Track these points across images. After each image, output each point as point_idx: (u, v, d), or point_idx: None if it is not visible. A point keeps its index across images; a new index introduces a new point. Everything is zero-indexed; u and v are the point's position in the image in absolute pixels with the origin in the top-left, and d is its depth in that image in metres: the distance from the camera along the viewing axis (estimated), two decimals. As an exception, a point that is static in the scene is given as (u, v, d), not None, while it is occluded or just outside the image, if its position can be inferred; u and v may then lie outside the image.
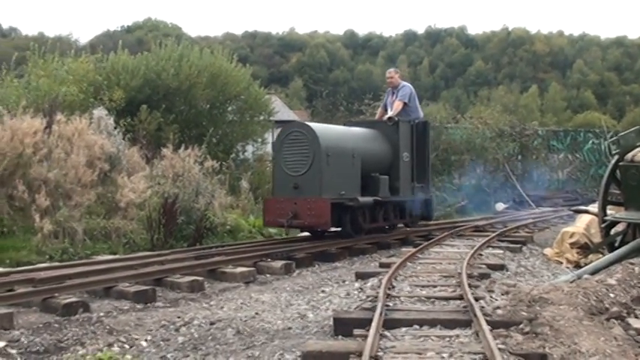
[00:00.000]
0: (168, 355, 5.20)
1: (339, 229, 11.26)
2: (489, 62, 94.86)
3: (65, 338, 5.55)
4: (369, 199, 11.03)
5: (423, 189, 12.47)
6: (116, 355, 5.04)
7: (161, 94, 17.29)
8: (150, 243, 10.65)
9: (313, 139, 10.53)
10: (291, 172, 10.71)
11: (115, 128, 13.14)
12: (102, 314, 6.41)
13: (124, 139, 13.26)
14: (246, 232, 12.72)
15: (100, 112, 13.28)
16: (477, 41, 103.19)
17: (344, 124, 12.73)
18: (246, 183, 15.37)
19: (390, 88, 12.89)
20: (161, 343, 5.52)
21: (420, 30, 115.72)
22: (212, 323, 6.06)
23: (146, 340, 5.58)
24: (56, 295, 6.62)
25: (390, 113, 12.26)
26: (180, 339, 5.61)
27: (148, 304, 6.91)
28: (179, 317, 6.30)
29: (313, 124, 11.16)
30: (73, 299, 6.53)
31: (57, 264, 8.78)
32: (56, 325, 5.94)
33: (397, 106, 12.30)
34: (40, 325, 5.95)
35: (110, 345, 5.43)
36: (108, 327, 5.92)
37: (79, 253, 9.87)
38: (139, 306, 6.82)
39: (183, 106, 17.77)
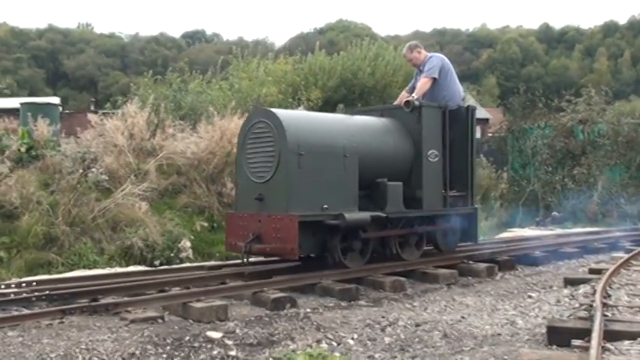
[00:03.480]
0: (376, 355, 5.17)
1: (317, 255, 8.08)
2: None
3: (276, 332, 5.70)
4: (364, 215, 7.87)
5: (463, 200, 9.24)
6: (325, 351, 5.10)
7: (357, 93, 17.62)
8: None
9: (279, 131, 7.54)
10: (254, 177, 7.88)
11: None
12: (308, 310, 6.54)
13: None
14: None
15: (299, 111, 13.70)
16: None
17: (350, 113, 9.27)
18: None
19: (416, 70, 9.68)
20: (368, 342, 5.52)
21: (622, 20, 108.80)
22: (417, 325, 5.99)
23: (353, 339, 5.61)
24: (265, 289, 6.86)
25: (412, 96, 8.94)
26: (387, 339, 5.57)
27: (352, 302, 6.97)
28: (383, 317, 6.29)
29: (280, 111, 8.04)
30: (281, 294, 6.72)
31: (263, 259, 9.11)
32: (267, 319, 6.14)
33: (422, 84, 9.00)
34: (252, 318, 6.17)
35: (318, 341, 5.51)
36: (315, 323, 6.02)
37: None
38: (343, 303, 6.90)
39: (378, 104, 17.93)
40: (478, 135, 33.17)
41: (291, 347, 5.31)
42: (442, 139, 8.86)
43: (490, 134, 29.81)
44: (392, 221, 8.37)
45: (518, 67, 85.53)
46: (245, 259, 7.76)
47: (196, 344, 5.29)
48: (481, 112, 35.22)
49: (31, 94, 50.37)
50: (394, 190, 8.30)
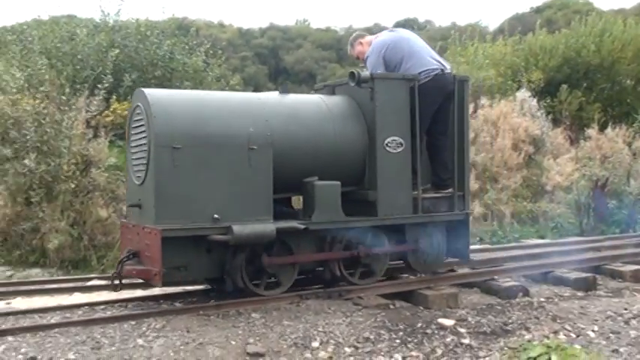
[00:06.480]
0: (621, 350, 4.86)
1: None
2: None
3: (510, 322, 5.54)
4: (265, 227, 5.72)
5: (448, 203, 6.76)
6: (563, 343, 4.87)
7: (581, 72, 16.72)
8: (579, 228, 10.28)
9: (148, 119, 5.65)
10: (135, 178, 5.98)
11: (538, 110, 13.00)
12: (542, 300, 6.29)
13: (546, 120, 13.05)
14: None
15: (523, 94, 13.25)
16: None
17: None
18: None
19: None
20: (610, 335, 5.20)
21: None
22: (666, 318, 5.54)
23: (593, 331, 5.31)
24: (495, 277, 6.70)
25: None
26: (633, 333, 5.21)
27: (589, 293, 6.61)
28: (626, 309, 5.88)
29: (154, 91, 5.96)
30: (514, 283, 6.53)
31: (489, 246, 8.95)
32: (499, 308, 5.99)
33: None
34: (484, 307, 6.05)
35: (556, 332, 5.28)
36: (550, 313, 5.77)
37: (507, 235, 9.94)
38: (579, 293, 6.57)
39: (605, 83, 16.87)
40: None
41: (526, 337, 5.15)
42: (411, 122, 6.44)
43: None
44: (331, 233, 6.25)
45: None
46: (115, 283, 5.84)
47: (429, 331, 5.29)
48: None
49: (255, 90, 53.32)
50: (325, 192, 6.13)
